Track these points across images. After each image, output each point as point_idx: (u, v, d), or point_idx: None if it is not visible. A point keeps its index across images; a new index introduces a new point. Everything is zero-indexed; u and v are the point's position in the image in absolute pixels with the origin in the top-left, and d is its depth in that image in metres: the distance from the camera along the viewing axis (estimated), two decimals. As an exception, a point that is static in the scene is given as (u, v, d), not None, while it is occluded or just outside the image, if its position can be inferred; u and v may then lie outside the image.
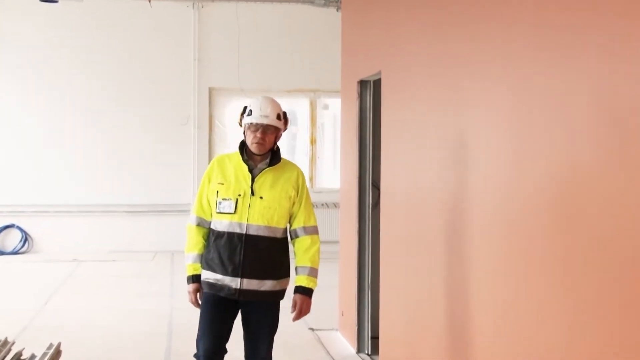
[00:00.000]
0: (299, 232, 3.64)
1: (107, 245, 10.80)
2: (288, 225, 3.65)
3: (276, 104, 3.61)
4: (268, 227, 3.54)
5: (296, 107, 11.43)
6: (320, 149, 11.68)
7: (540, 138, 2.81)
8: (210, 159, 11.06)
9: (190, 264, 3.66)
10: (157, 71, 11.00)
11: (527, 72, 2.91)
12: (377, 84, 5.31)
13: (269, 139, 3.55)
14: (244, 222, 3.52)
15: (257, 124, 3.52)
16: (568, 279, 2.58)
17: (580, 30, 2.52)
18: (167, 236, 10.50)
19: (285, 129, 3.67)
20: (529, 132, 2.89)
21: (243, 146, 3.61)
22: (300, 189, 3.62)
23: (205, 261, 3.60)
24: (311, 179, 11.42)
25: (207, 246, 3.63)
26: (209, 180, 3.63)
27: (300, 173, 3.67)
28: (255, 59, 11.04)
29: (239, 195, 3.53)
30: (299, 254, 3.62)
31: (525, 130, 2.93)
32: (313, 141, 11.63)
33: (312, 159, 11.60)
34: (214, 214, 3.59)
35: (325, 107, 11.64)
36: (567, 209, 2.60)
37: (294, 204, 3.61)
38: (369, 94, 5.53)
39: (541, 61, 2.78)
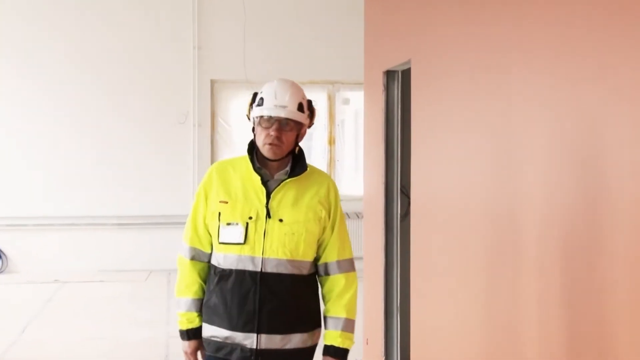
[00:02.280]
0: (331, 268, 3.16)
1: (93, 263, 10.87)
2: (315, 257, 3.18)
3: (297, 90, 3.12)
4: (292, 262, 3.06)
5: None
6: (340, 150, 11.70)
7: (608, 134, 2.80)
8: (212, 162, 11.11)
9: (183, 312, 3.19)
10: (150, 61, 11.07)
11: (593, 58, 2.91)
12: (406, 74, 5.33)
13: (288, 138, 3.06)
14: (259, 255, 3.03)
15: (271, 118, 3.03)
16: None
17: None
18: (163, 253, 10.53)
19: (311, 124, 3.19)
20: (594, 127, 2.89)
21: (253, 149, 3.12)
22: (332, 209, 3.16)
23: (206, 310, 3.13)
24: (330, 186, 11.42)
25: (207, 289, 3.15)
26: (206, 197, 3.12)
27: (332, 186, 3.20)
28: (264, 47, 11.09)
29: (250, 218, 3.04)
30: (331, 298, 3.16)
31: (590, 124, 2.93)
32: (332, 141, 11.65)
33: (331, 162, 11.63)
34: (216, 245, 3.10)
35: (346, 101, 11.67)
36: None
37: (324, 229, 3.13)
38: (397, 86, 5.55)
39: (609, 44, 2.79)
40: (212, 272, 3.13)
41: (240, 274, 3.05)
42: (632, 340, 2.56)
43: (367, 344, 5.94)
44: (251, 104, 3.13)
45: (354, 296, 3.18)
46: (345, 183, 11.52)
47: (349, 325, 3.16)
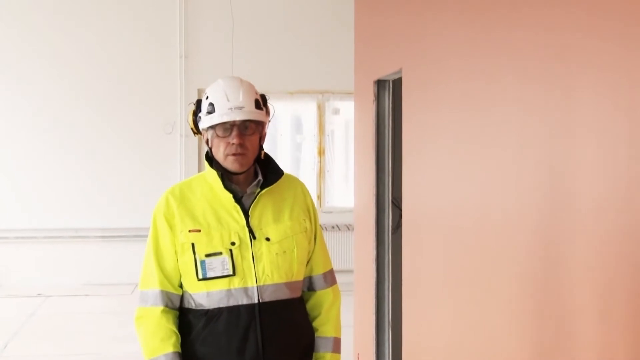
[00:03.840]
0: (317, 282, 2.89)
1: (78, 277, 10.82)
2: None
3: (249, 85, 2.78)
4: (289, 285, 2.74)
5: (301, 112, 11.47)
6: (330, 161, 11.71)
7: (602, 142, 2.81)
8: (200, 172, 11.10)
9: None
10: (136, 71, 11.05)
11: (587, 66, 2.92)
12: (397, 84, 5.33)
13: (252, 143, 2.71)
14: (252, 285, 2.67)
15: (227, 124, 2.67)
16: None
17: None
18: (149, 266, 10.48)
19: (269, 121, 2.83)
20: (589, 135, 2.90)
21: (212, 163, 2.78)
22: (312, 215, 2.87)
23: None
24: (319, 197, 11.44)
25: (184, 340, 2.70)
26: (171, 227, 2.70)
27: (304, 188, 2.91)
28: (252, 56, 11.09)
29: (233, 243, 2.67)
30: (318, 316, 2.87)
31: (585, 132, 2.94)
32: (321, 152, 11.65)
33: (321, 173, 11.63)
34: (192, 284, 2.67)
35: (336, 111, 11.68)
36: None
37: (310, 239, 2.84)
38: (388, 95, 5.56)
39: (604, 51, 2.80)
40: (190, 317, 2.68)
41: (233, 311, 2.64)
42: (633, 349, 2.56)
43: (358, 359, 5.92)
44: (195, 114, 2.79)
45: (339, 311, 2.94)
46: (335, 195, 11.53)
47: (337, 345, 2.90)
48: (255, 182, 2.76)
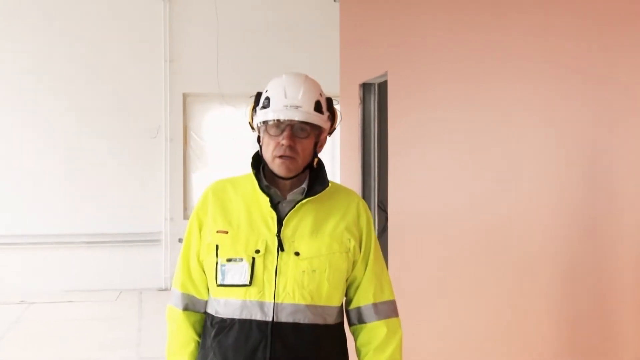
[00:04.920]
0: (367, 314, 2.55)
1: (61, 283, 10.76)
2: (344, 300, 2.59)
3: (313, 85, 2.57)
4: (313, 308, 2.44)
5: (287, 116, 11.46)
6: (317, 165, 11.70)
7: (584, 141, 2.84)
8: (185, 178, 11.10)
9: None
10: (121, 75, 11.02)
11: (573, 67, 2.95)
12: (382, 87, 5.36)
13: (305, 147, 2.47)
14: (269, 300, 2.43)
15: (281, 122, 2.45)
16: None
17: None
18: (134, 272, 10.46)
19: (333, 129, 2.60)
20: (576, 135, 2.93)
21: (260, 164, 2.55)
22: (365, 237, 2.55)
23: None
24: (306, 201, 11.42)
25: (201, 346, 2.57)
26: (200, 227, 2.56)
27: (363, 207, 2.59)
28: (238, 59, 11.09)
29: (257, 251, 2.45)
30: (368, 353, 2.54)
31: (572, 133, 2.97)
32: (308, 156, 11.65)
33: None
34: (213, 288, 2.52)
35: (322, 115, 11.69)
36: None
37: (354, 263, 2.53)
38: (373, 99, 5.59)
39: (581, 54, 2.82)
40: (209, 323, 2.53)
41: (245, 324, 2.43)
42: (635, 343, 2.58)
43: (344, 363, 5.92)
44: (254, 108, 2.55)
45: (398, 349, 2.53)
46: (322, 198, 11.49)
47: None
48: (297, 190, 2.51)
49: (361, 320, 2.55)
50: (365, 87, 5.58)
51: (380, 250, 2.60)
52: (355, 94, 5.64)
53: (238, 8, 11.14)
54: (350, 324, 2.57)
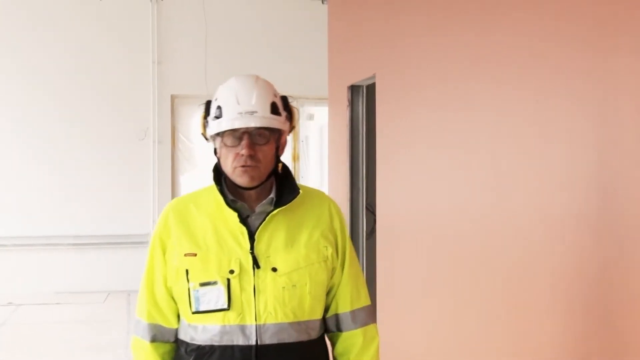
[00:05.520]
0: (344, 322, 2.44)
1: (49, 285, 10.74)
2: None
3: (266, 86, 2.40)
4: (297, 325, 2.31)
5: (275, 118, 11.46)
6: (305, 167, 11.74)
7: (577, 143, 2.86)
8: (173, 180, 11.09)
9: None
10: (109, 76, 11.01)
11: (562, 70, 2.97)
12: (370, 89, 5.38)
13: (266, 154, 2.31)
14: (251, 322, 2.27)
15: (236, 131, 2.28)
16: None
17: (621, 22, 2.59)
18: (122, 274, 10.46)
19: (292, 128, 2.42)
20: (563, 138, 2.95)
21: (221, 177, 2.38)
22: (340, 241, 2.42)
23: None
24: (294, 203, 11.42)
25: None
26: (164, 250, 2.37)
27: (334, 208, 2.47)
28: (226, 61, 11.09)
29: (231, 272, 2.28)
30: None
31: (560, 136, 2.99)
32: (295, 157, 11.68)
33: (295, 179, 11.63)
34: (187, 315, 2.34)
35: (310, 117, 11.72)
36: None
37: (333, 271, 2.40)
38: (362, 101, 5.60)
39: (565, 57, 2.85)
40: (183, 350, 2.35)
41: (227, 351, 2.27)
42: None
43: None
44: (205, 117, 2.37)
45: (376, 356, 2.46)
46: (310, 200, 11.50)
47: None
48: (266, 200, 2.34)
49: (339, 328, 2.45)
50: (354, 89, 5.60)
51: (355, 252, 2.50)
52: (344, 96, 5.65)
53: (226, 10, 11.14)
54: (326, 331, 2.46)
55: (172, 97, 11.24)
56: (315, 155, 11.67)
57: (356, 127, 5.60)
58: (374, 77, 5.06)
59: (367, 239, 5.57)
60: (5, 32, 10.77)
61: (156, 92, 11.11)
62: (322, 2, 10.09)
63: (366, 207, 5.60)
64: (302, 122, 11.62)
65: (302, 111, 11.62)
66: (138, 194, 11.05)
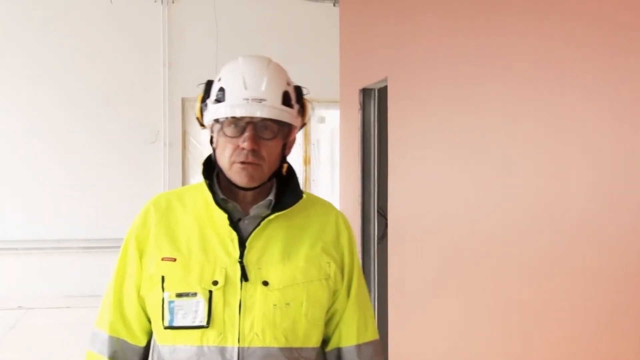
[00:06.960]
0: (348, 357, 2.07)
1: (59, 289, 10.77)
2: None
3: (278, 71, 2.06)
4: (288, 351, 1.92)
5: (286, 121, 11.46)
6: (316, 171, 11.73)
7: (589, 145, 2.84)
8: (184, 183, 11.11)
9: None
10: (119, 80, 11.04)
11: (573, 71, 2.96)
12: (382, 92, 5.36)
13: (271, 151, 1.96)
14: (232, 345, 1.88)
15: (239, 120, 1.93)
16: None
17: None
18: (132, 277, 10.46)
19: (304, 124, 2.08)
20: (576, 139, 2.93)
21: (213, 172, 2.07)
22: (347, 260, 2.06)
23: None
24: (305, 207, 11.42)
25: None
26: (141, 253, 2.02)
27: (343, 222, 2.10)
28: (237, 64, 11.09)
29: (215, 283, 1.91)
30: None
31: (572, 137, 2.97)
32: (307, 161, 11.68)
33: (306, 182, 11.64)
34: (159, 332, 1.97)
35: (321, 120, 11.71)
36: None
37: (335, 293, 2.04)
38: (373, 104, 5.59)
39: (579, 58, 2.83)
40: None
41: None
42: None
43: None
44: (203, 99, 2.06)
45: None
46: (321, 204, 11.49)
47: None
48: (263, 202, 2.00)
49: None
50: (365, 92, 5.59)
51: (363, 277, 2.13)
52: (355, 99, 5.64)
53: (237, 13, 11.16)
54: None
55: (183, 100, 11.25)
56: (326, 159, 11.66)
57: (368, 130, 5.59)
58: (385, 80, 5.05)
59: (378, 243, 5.56)
60: (16, 35, 10.82)
61: (167, 95, 11.14)
62: (334, 5, 10.09)
63: (378, 210, 5.58)
64: (313, 126, 11.62)
65: (314, 114, 11.59)
66: (148, 197, 10.99)
